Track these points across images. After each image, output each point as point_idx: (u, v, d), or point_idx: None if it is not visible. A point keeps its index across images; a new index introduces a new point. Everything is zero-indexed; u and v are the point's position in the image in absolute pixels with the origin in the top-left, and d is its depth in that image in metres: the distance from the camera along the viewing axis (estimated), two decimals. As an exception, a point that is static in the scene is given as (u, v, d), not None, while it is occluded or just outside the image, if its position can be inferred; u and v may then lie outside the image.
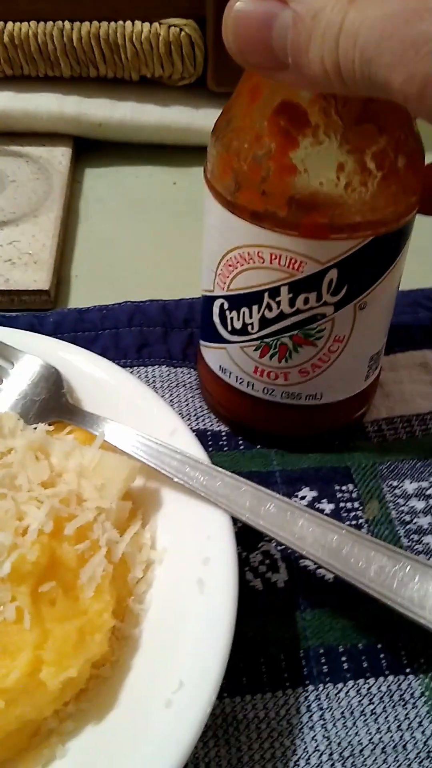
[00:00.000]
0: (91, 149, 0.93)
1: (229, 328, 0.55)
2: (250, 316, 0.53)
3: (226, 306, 0.54)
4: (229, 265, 0.52)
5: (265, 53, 0.39)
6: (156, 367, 0.65)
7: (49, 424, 0.51)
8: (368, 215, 0.47)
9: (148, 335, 0.68)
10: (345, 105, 0.44)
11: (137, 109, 0.90)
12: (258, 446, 0.61)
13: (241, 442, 0.61)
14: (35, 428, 0.49)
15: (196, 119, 0.91)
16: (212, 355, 0.59)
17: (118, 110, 0.89)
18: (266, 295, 0.51)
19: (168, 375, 0.65)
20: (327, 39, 0.36)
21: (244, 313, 0.53)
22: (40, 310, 0.71)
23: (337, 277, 0.49)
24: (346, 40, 0.35)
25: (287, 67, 0.39)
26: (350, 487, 0.58)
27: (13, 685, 0.38)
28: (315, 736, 0.44)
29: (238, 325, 0.54)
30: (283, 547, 0.53)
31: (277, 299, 0.51)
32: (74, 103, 0.88)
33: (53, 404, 0.52)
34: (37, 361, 0.55)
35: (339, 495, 0.57)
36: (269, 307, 0.52)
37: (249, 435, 0.61)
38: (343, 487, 0.58)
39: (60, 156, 0.89)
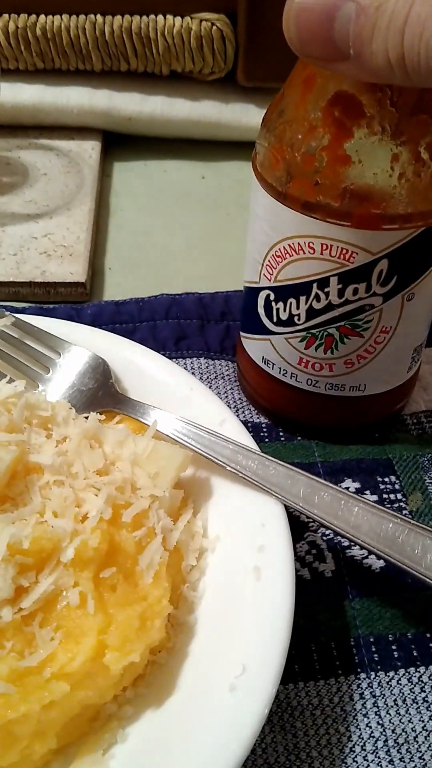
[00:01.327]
0: (119, 143, 0.93)
1: (275, 319, 0.55)
2: (298, 307, 0.53)
3: (272, 297, 0.54)
4: (278, 256, 0.52)
5: (327, 45, 0.39)
6: (194, 359, 0.65)
7: (99, 414, 0.51)
8: (420, 206, 0.47)
9: (185, 327, 0.68)
10: (400, 96, 0.44)
11: (167, 103, 0.90)
12: (298, 438, 0.61)
13: (281, 433, 0.61)
14: (86, 417, 0.49)
15: (225, 114, 0.91)
16: (254, 346, 0.59)
17: (148, 104, 0.89)
18: (315, 285, 0.51)
19: (207, 367, 0.65)
20: (392, 31, 0.36)
21: (291, 304, 0.53)
22: (76, 302, 0.71)
23: (388, 267, 0.49)
24: (412, 32, 0.35)
25: (348, 59, 0.39)
26: (392, 478, 0.58)
27: (78, 669, 0.38)
28: (369, 722, 0.44)
29: (284, 316, 0.54)
30: (329, 537, 0.53)
31: (326, 290, 0.51)
32: (105, 97, 0.88)
33: (102, 394, 0.53)
34: (84, 352, 0.55)
35: (382, 486, 0.57)
36: (317, 298, 0.52)
37: (289, 426, 0.61)
38: (386, 479, 0.58)
39: (90, 149, 0.89)
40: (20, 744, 0.38)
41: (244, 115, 0.91)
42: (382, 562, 0.52)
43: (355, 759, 0.43)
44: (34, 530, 0.40)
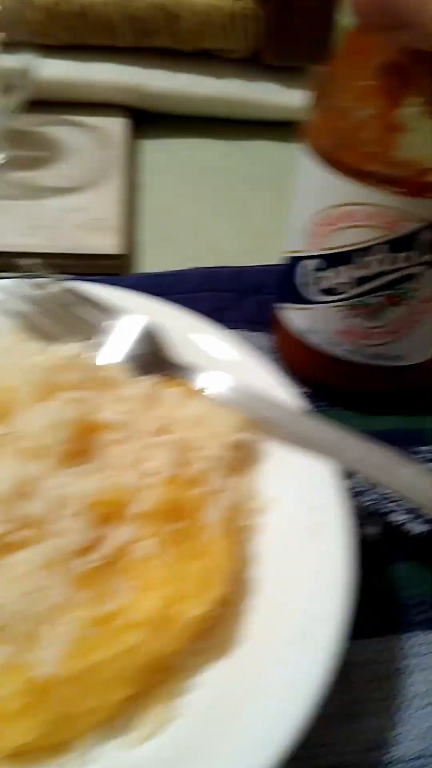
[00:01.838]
0: (145, 120, 0.93)
1: (319, 288, 0.56)
2: (343, 276, 0.54)
3: (317, 266, 0.55)
4: (325, 225, 0.53)
5: (387, 12, 0.40)
6: (232, 331, 0.66)
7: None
8: (471, 174, 0.48)
9: (221, 300, 0.69)
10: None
11: (193, 81, 0.90)
12: (336, 407, 0.62)
13: (319, 404, 0.62)
14: (141, 380, 0.50)
15: (250, 93, 0.91)
16: (295, 316, 0.60)
17: (174, 82, 0.90)
18: (362, 253, 0.52)
19: (244, 339, 0.66)
20: None
21: (336, 272, 0.54)
22: (112, 275, 0.72)
23: (436, 236, 0.50)
24: None
25: (407, 26, 0.40)
26: (429, 448, 0.59)
27: (149, 619, 0.39)
28: (427, 677, 0.45)
29: (329, 285, 0.55)
30: (373, 500, 0.54)
31: (373, 258, 0.52)
32: (133, 73, 0.89)
33: (154, 359, 0.53)
34: (134, 318, 0.55)
35: (418, 456, 0.58)
36: (365, 266, 0.53)
37: (328, 396, 0.62)
38: (422, 448, 0.59)
39: (118, 126, 0.89)
40: (97, 690, 0.39)
41: (269, 94, 0.92)
42: (426, 527, 0.53)
43: (410, 712, 0.44)
44: (106, 484, 0.41)
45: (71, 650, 0.38)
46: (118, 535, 0.41)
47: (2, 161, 0.81)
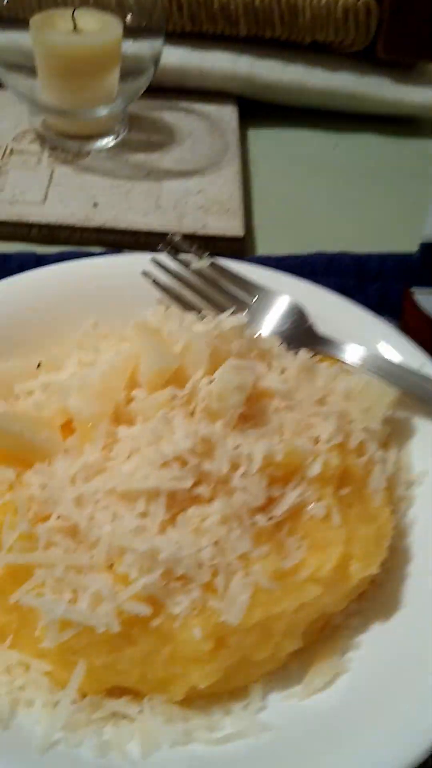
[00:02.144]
0: (253, 110, 0.95)
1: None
2: None
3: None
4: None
5: None
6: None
7: (297, 353, 0.54)
8: None
9: (344, 285, 0.70)
10: None
11: (306, 72, 0.91)
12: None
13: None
14: (295, 353, 0.52)
15: (361, 86, 0.92)
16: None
17: (287, 73, 0.91)
18: None
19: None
20: None
21: None
22: (232, 256, 0.73)
23: None
24: None
25: None
26: None
27: (327, 575, 0.41)
28: None
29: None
30: None
31: None
32: (246, 63, 0.90)
33: (300, 335, 0.55)
34: (278, 295, 0.57)
35: None
36: None
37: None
38: None
39: (228, 114, 0.91)
40: (273, 640, 0.41)
41: (379, 89, 0.93)
42: None
43: None
44: (285, 445, 0.43)
45: (252, 601, 0.39)
46: (292, 495, 0.42)
47: (115, 142, 0.83)
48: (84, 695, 0.40)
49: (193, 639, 0.39)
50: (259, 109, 0.95)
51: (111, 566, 0.40)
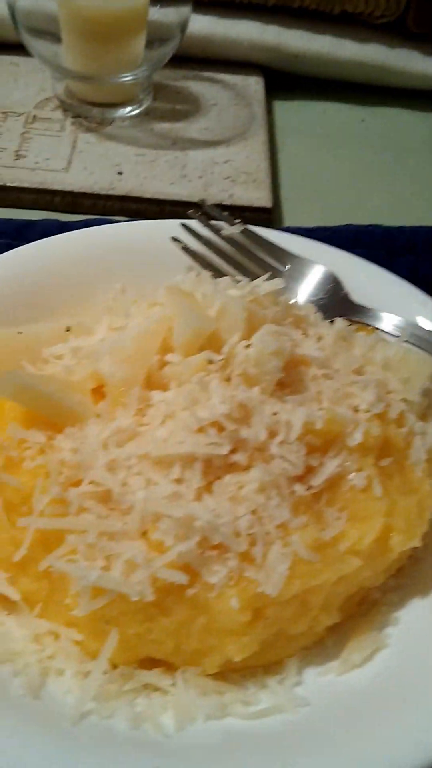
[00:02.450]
0: (279, 82, 0.92)
1: None
2: None
3: None
4: None
5: None
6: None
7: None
8: None
9: (374, 258, 0.68)
10: None
11: (334, 43, 0.89)
12: None
13: None
14: (331, 322, 0.50)
15: (391, 59, 0.90)
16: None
17: (315, 43, 0.89)
18: None
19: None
20: None
21: None
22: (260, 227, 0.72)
23: None
24: None
25: None
26: None
27: (368, 547, 0.39)
28: None
29: None
30: None
31: None
32: (274, 32, 0.88)
33: (335, 303, 0.53)
34: (312, 264, 0.55)
35: None
36: None
37: None
38: None
39: (254, 85, 0.89)
40: (311, 614, 0.39)
41: (409, 62, 0.90)
42: None
43: None
44: (326, 413, 0.41)
45: (292, 572, 0.38)
46: (332, 465, 0.41)
47: (140, 110, 0.81)
48: (115, 666, 0.39)
49: (230, 610, 0.37)
50: (285, 81, 0.93)
51: (145, 533, 0.39)
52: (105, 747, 0.35)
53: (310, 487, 0.41)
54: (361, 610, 0.42)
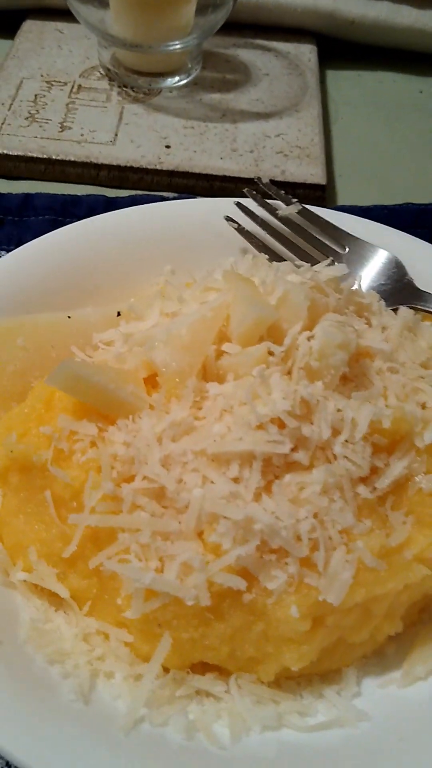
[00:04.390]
0: (332, 50, 0.88)
1: None
2: None
3: None
4: None
5: None
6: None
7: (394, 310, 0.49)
8: None
9: (435, 239, 0.65)
10: None
11: (393, 9, 0.85)
12: None
13: None
14: (395, 310, 0.47)
15: (452, 26, 0.85)
16: None
17: (373, 9, 0.85)
18: None
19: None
20: None
21: None
22: (313, 204, 0.69)
23: None
24: None
25: None
26: None
27: (433, 556, 0.37)
28: None
29: None
30: None
31: None
32: (329, -3, 0.84)
33: (398, 289, 0.51)
34: (374, 248, 0.53)
35: None
36: None
37: None
38: None
39: (308, 53, 0.85)
40: (373, 623, 0.37)
41: (471, 29, 0.86)
42: None
43: None
44: (394, 411, 0.39)
45: (357, 580, 0.36)
46: (399, 466, 0.39)
47: (188, 80, 0.78)
48: (166, 670, 0.37)
49: (289, 618, 0.36)
50: (339, 49, 0.89)
51: (201, 534, 0.37)
52: (159, 759, 0.33)
53: (374, 490, 0.38)
54: (422, 618, 0.40)
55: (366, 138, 0.80)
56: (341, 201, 0.72)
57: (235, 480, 0.37)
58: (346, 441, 0.38)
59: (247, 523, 0.36)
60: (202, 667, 0.38)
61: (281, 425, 0.38)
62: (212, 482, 0.37)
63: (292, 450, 0.38)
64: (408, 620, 0.40)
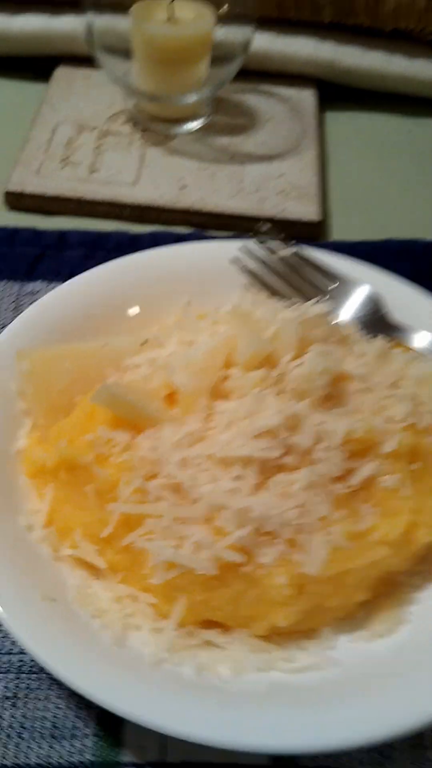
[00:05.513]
0: (331, 95, 0.98)
1: None
2: None
3: None
4: None
5: None
6: None
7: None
8: None
9: (418, 272, 0.74)
10: None
11: (385, 59, 0.95)
12: None
13: None
14: (372, 339, 0.57)
15: (438, 73, 0.95)
16: None
17: (367, 59, 0.94)
18: None
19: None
20: None
21: None
22: (308, 240, 0.78)
23: None
24: None
25: None
26: None
27: (395, 539, 0.47)
28: None
29: None
30: None
31: None
32: (329, 48, 0.94)
33: (375, 321, 0.60)
34: (356, 283, 0.62)
35: None
36: None
37: None
38: None
39: (308, 98, 0.95)
40: (345, 591, 0.48)
41: (455, 76, 0.95)
42: None
43: None
44: (358, 425, 0.49)
45: (330, 556, 0.46)
46: (368, 468, 0.49)
47: (201, 125, 0.88)
48: (182, 625, 0.48)
49: (278, 585, 0.46)
50: (337, 93, 0.99)
51: (209, 520, 0.47)
52: (177, 687, 0.44)
53: (348, 487, 0.48)
54: (387, 590, 0.50)
55: (359, 175, 0.90)
56: (335, 235, 0.82)
57: (237, 478, 0.48)
58: (326, 448, 0.49)
59: (246, 511, 0.46)
60: (210, 624, 0.48)
61: (274, 435, 0.48)
62: (219, 479, 0.48)
63: (283, 455, 0.49)
64: (375, 591, 0.50)
